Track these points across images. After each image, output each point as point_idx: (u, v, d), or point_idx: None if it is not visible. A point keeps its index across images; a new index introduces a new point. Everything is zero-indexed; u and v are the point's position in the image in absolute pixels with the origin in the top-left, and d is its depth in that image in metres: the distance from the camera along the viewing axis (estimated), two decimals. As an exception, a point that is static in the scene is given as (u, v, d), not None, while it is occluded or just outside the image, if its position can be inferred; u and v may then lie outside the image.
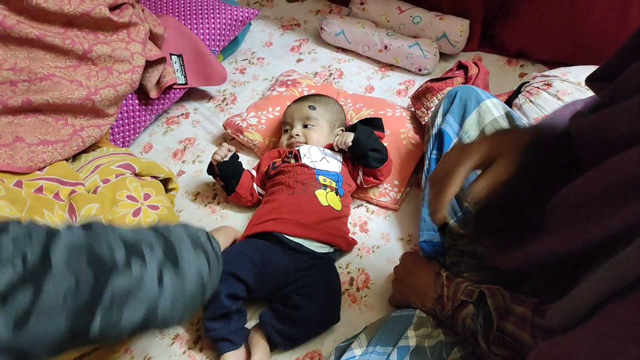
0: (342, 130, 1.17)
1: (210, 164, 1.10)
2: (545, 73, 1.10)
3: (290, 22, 1.64)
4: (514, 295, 0.70)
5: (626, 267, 0.43)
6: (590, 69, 1.07)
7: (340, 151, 1.09)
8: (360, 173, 1.08)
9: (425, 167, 1.00)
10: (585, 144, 0.65)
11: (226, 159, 1.08)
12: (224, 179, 1.09)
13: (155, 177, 1.07)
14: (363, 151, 1.03)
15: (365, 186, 1.10)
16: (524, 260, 0.69)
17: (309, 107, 1.14)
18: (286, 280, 0.91)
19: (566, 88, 1.03)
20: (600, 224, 0.56)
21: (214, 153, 1.09)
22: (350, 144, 1.03)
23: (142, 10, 1.17)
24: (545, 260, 0.65)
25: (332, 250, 1.00)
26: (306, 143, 1.12)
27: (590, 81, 0.62)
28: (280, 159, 1.12)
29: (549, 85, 1.05)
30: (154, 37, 1.19)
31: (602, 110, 0.62)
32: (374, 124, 1.14)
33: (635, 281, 0.40)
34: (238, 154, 1.13)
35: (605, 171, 0.58)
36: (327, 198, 1.02)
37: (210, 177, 1.14)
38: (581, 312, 0.56)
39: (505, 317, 0.68)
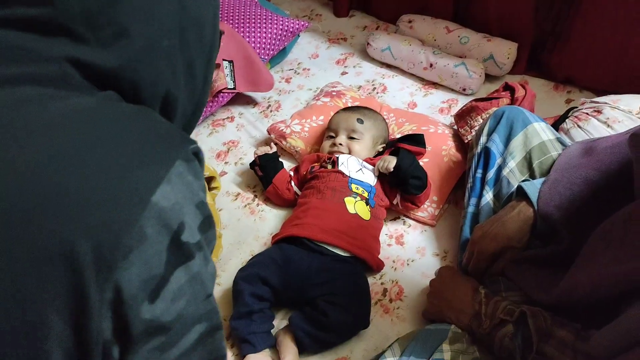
0: (383, 147, 1.18)
1: (253, 160, 1.16)
2: (595, 99, 1.09)
3: (337, 36, 1.68)
4: (555, 318, 0.69)
5: None
6: (642, 98, 1.07)
7: (381, 174, 1.09)
8: (398, 196, 1.09)
9: (468, 186, 1.00)
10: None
11: (268, 152, 1.15)
12: (264, 169, 1.14)
13: (200, 175, 1.11)
14: (404, 178, 1.04)
15: (400, 208, 1.11)
16: (567, 294, 0.69)
17: (357, 120, 1.16)
18: (310, 281, 0.93)
19: (617, 116, 1.01)
20: None
21: (257, 149, 1.18)
22: (392, 169, 1.04)
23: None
24: (591, 291, 0.65)
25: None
26: (348, 153, 1.14)
27: None
28: (318, 164, 1.14)
29: (598, 112, 1.04)
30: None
31: None
32: (415, 140, 1.16)
33: None
34: (280, 160, 1.18)
35: None
36: (355, 206, 1.03)
37: (251, 179, 1.17)
38: (626, 341, 0.55)
39: (546, 340, 0.68)
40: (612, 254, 0.64)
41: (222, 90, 1.33)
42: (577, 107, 1.12)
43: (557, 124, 1.13)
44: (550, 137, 0.95)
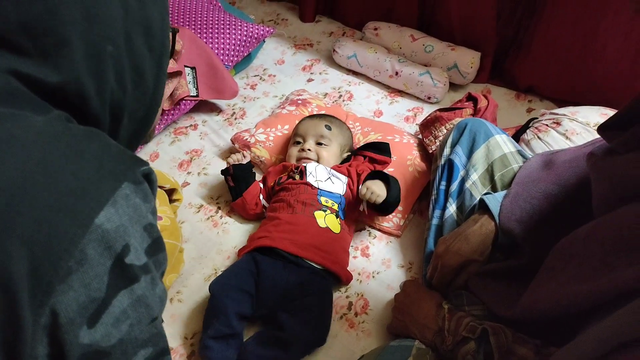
0: (348, 154, 1.18)
1: (226, 168, 1.12)
2: (554, 111, 1.12)
3: (303, 42, 1.66)
4: (517, 334, 0.70)
5: (632, 322, 0.43)
6: (598, 110, 1.10)
7: (358, 198, 1.06)
8: (365, 205, 1.05)
9: (432, 197, 1.01)
10: (598, 182, 0.65)
11: (242, 162, 1.11)
12: (236, 180, 1.10)
13: (161, 187, 1.07)
14: (386, 208, 1.01)
15: (366, 215, 1.09)
16: (528, 310, 0.69)
17: (326, 126, 1.15)
18: (286, 296, 0.92)
19: (575, 127, 1.04)
20: (606, 274, 0.56)
21: (229, 157, 1.14)
22: (380, 202, 0.99)
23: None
24: (551, 308, 0.65)
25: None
26: (317, 160, 1.13)
27: (602, 130, 0.62)
28: (286, 174, 1.12)
29: (557, 123, 1.06)
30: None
31: (615, 157, 0.63)
32: (381, 148, 1.15)
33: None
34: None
35: (614, 221, 0.58)
36: (325, 219, 1.02)
37: (214, 190, 1.14)
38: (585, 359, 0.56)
39: (507, 358, 0.68)
40: (572, 272, 0.64)
41: (185, 98, 1.29)
42: (537, 118, 1.14)
43: (518, 134, 1.14)
44: (512, 149, 0.96)
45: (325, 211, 1.03)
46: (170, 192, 1.10)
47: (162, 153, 1.31)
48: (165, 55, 0.52)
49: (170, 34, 0.54)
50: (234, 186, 1.10)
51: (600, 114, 1.06)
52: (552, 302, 0.66)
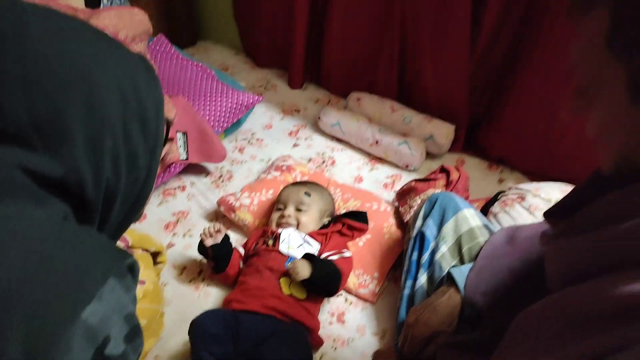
0: (329, 219, 1.24)
1: (201, 242, 1.14)
2: (520, 186, 1.20)
3: (291, 108, 1.76)
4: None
5: None
6: (559, 187, 1.18)
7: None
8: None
9: (404, 267, 1.06)
10: (547, 262, 0.71)
11: (217, 241, 1.12)
12: (216, 260, 1.13)
13: (146, 250, 1.11)
14: (314, 289, 1.06)
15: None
16: None
17: (305, 193, 1.21)
18: (261, 346, 0.95)
19: (538, 203, 1.11)
20: (560, 349, 0.61)
21: (203, 233, 1.13)
22: (304, 277, 1.03)
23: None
24: None
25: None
26: (297, 225, 1.18)
27: (547, 216, 0.69)
28: (262, 239, 1.17)
29: (522, 198, 1.14)
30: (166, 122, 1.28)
31: (561, 240, 0.69)
32: (358, 217, 1.22)
33: None
34: (228, 232, 1.19)
35: (562, 299, 0.64)
36: (290, 287, 1.06)
37: (197, 253, 1.18)
38: None
39: None
40: (529, 346, 0.69)
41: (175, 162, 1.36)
42: (504, 192, 1.22)
43: (487, 206, 1.22)
44: (478, 223, 1.03)
45: (290, 277, 1.06)
46: (155, 255, 1.14)
47: (149, 214, 1.35)
48: (159, 146, 0.56)
49: (165, 124, 0.60)
50: (215, 265, 1.13)
51: (561, 191, 1.14)
52: None
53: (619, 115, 0.51)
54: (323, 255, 1.11)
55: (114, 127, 0.49)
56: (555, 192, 1.14)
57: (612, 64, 0.49)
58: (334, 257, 1.10)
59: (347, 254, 1.13)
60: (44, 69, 0.43)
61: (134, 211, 0.60)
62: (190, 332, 0.98)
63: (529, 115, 1.38)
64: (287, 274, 1.06)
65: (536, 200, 1.12)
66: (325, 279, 1.05)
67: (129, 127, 0.51)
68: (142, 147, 0.54)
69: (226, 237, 1.15)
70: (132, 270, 0.47)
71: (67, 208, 0.49)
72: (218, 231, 1.14)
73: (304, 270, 1.03)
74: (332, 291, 1.09)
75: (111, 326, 0.42)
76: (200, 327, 0.97)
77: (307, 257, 1.07)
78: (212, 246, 1.12)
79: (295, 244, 1.13)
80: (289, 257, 1.10)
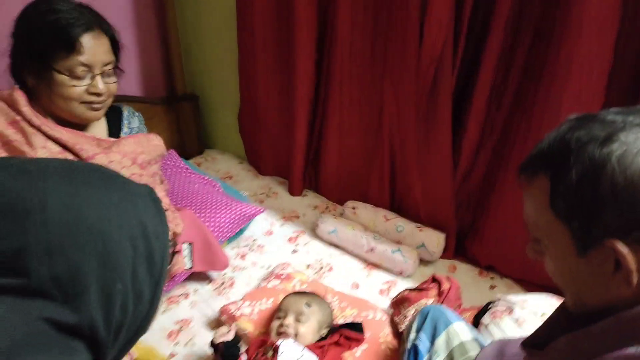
0: (327, 330, 1.28)
1: (215, 344, 1.18)
2: (507, 298, 1.26)
3: (290, 214, 1.87)
4: None
5: None
6: (546, 299, 1.24)
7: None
8: None
9: (400, 381, 1.09)
10: None
11: (229, 338, 1.17)
12: (225, 358, 1.16)
13: (149, 363, 1.15)
14: None
15: None
16: None
17: (305, 303, 1.27)
18: None
19: (525, 316, 1.17)
20: None
21: (215, 333, 1.20)
22: None
23: (173, 212, 1.39)
24: None
25: None
26: (295, 335, 1.22)
27: (525, 346, 0.75)
28: (262, 350, 1.21)
29: (510, 310, 1.20)
30: (173, 235, 1.37)
31: None
32: (355, 327, 1.27)
33: None
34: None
35: None
36: None
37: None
38: None
39: None
40: None
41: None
42: (494, 302, 1.28)
43: (478, 316, 1.27)
44: (469, 337, 1.08)
45: None
46: (158, 366, 1.17)
47: (153, 323, 1.39)
48: (163, 278, 0.62)
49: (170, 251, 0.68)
50: None
51: (549, 304, 1.20)
52: None
53: (569, 265, 0.60)
54: None
55: (125, 272, 0.55)
56: (542, 304, 1.20)
57: (556, 221, 0.59)
58: None
59: None
60: (63, 234, 0.50)
61: (137, 336, 0.65)
62: None
63: (510, 228, 1.48)
64: None
65: (524, 313, 1.18)
66: None
67: (137, 268, 0.56)
68: (148, 282, 0.58)
69: (237, 339, 1.21)
70: None
71: (86, 354, 0.53)
72: (230, 330, 1.20)
73: None
74: None
75: None
76: None
77: None
78: (226, 344, 1.16)
79: (294, 357, 1.16)
80: None
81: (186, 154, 2.08)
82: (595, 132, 0.57)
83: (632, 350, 0.53)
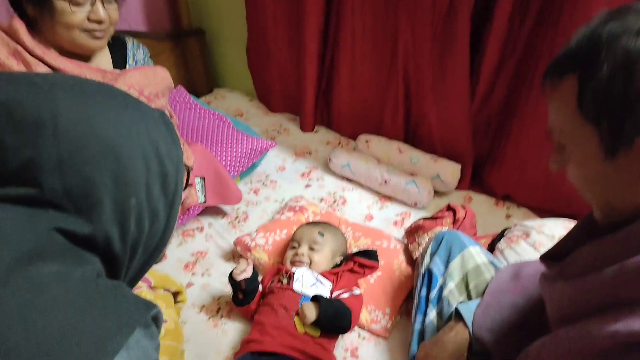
0: (341, 259, 1.29)
1: (231, 276, 1.18)
2: (524, 223, 1.24)
3: (303, 150, 1.85)
4: None
5: None
6: (562, 223, 1.22)
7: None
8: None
9: (414, 303, 1.10)
10: (546, 301, 0.75)
11: (248, 275, 1.18)
12: (246, 294, 1.18)
13: (167, 290, 1.17)
14: (325, 329, 1.09)
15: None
16: None
17: (319, 233, 1.27)
18: None
19: (542, 240, 1.15)
20: None
21: (235, 270, 1.19)
22: (312, 320, 1.07)
23: (182, 145, 1.37)
24: None
25: None
26: (309, 263, 1.23)
27: (543, 259, 0.74)
28: (277, 277, 1.22)
29: (527, 235, 1.18)
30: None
31: (557, 282, 0.73)
32: (369, 255, 1.27)
33: None
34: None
35: (555, 340, 0.68)
36: (304, 326, 1.09)
37: (216, 290, 1.23)
38: None
39: None
40: None
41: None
42: (510, 228, 1.26)
43: (494, 243, 1.26)
44: (484, 260, 1.07)
45: None
46: (176, 294, 1.20)
47: (170, 255, 1.42)
48: (178, 198, 0.62)
49: (185, 171, 0.66)
50: (243, 298, 1.18)
51: (564, 227, 1.18)
52: None
53: (596, 170, 0.57)
54: (334, 294, 1.16)
55: (138, 188, 0.55)
56: (558, 228, 1.18)
57: (584, 124, 0.55)
58: (345, 295, 1.15)
59: (357, 291, 1.18)
60: (75, 148, 0.50)
61: (154, 257, 0.65)
62: None
63: (531, 154, 1.44)
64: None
65: (540, 237, 1.17)
66: (333, 319, 1.09)
67: (151, 186, 0.56)
68: (163, 202, 0.59)
69: (255, 273, 1.22)
70: (157, 319, 0.52)
71: (100, 265, 0.54)
72: (248, 265, 1.20)
73: (311, 314, 1.07)
74: (343, 329, 1.12)
75: None
76: None
77: (315, 299, 1.12)
78: (245, 279, 1.17)
79: (308, 283, 1.18)
80: (302, 295, 1.14)
81: (195, 93, 2.04)
82: (629, 23, 0.53)
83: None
